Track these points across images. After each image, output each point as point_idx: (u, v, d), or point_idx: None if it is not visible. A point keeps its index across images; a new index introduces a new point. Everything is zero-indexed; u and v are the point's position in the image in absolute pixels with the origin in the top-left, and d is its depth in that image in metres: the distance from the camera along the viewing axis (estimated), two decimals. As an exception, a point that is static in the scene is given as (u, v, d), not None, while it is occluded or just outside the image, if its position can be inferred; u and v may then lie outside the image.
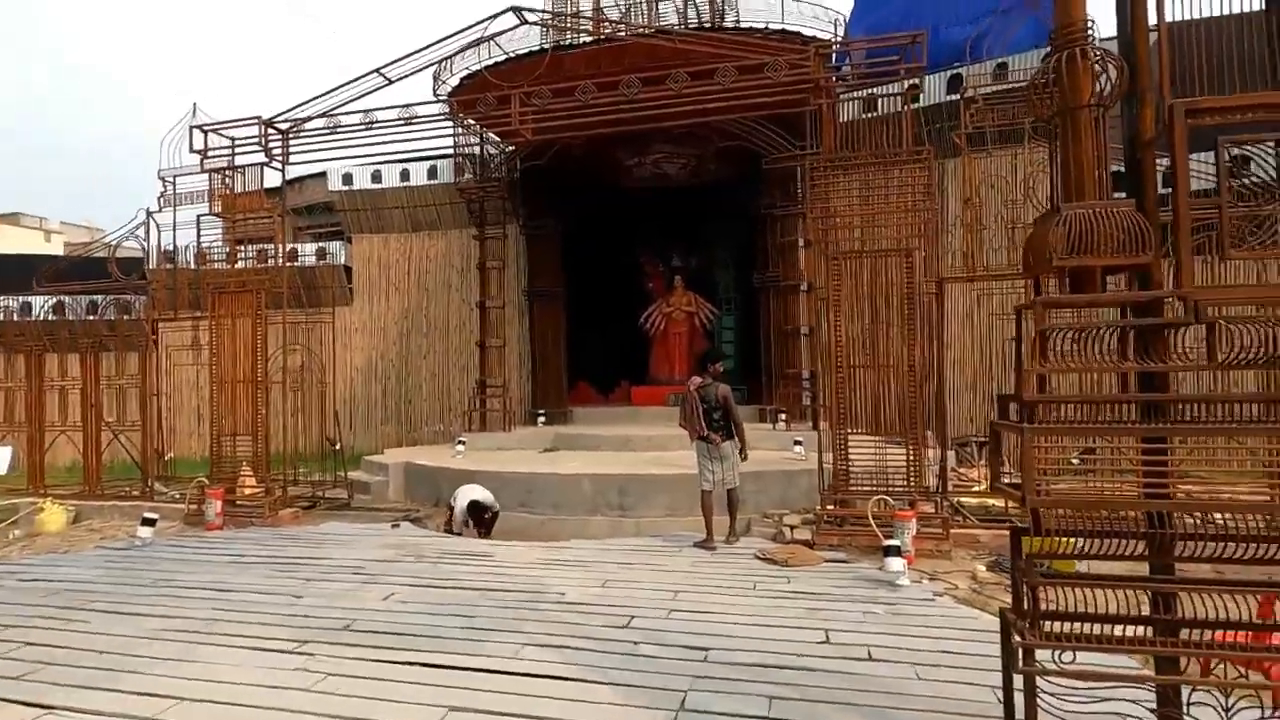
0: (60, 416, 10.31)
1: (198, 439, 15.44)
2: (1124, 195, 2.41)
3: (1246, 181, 2.42)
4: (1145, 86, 2.31)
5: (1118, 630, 2.39)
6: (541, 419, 13.14)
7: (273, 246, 9.27)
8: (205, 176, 9.52)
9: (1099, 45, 2.27)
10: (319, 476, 10.31)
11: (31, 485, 9.98)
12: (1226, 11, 2.56)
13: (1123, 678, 2.33)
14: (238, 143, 8.98)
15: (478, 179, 13.37)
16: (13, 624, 4.86)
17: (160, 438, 10.68)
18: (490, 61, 9.56)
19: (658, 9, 11.63)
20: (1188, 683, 2.22)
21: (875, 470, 7.08)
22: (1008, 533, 6.40)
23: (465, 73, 10.97)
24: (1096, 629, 2.37)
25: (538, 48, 10.52)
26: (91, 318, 11.29)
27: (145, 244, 10.49)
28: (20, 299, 13.20)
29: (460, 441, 11.19)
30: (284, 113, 8.69)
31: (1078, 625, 2.38)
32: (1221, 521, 2.24)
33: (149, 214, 10.41)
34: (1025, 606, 2.28)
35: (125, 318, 10.55)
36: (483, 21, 8.09)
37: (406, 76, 8.25)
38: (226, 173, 8.96)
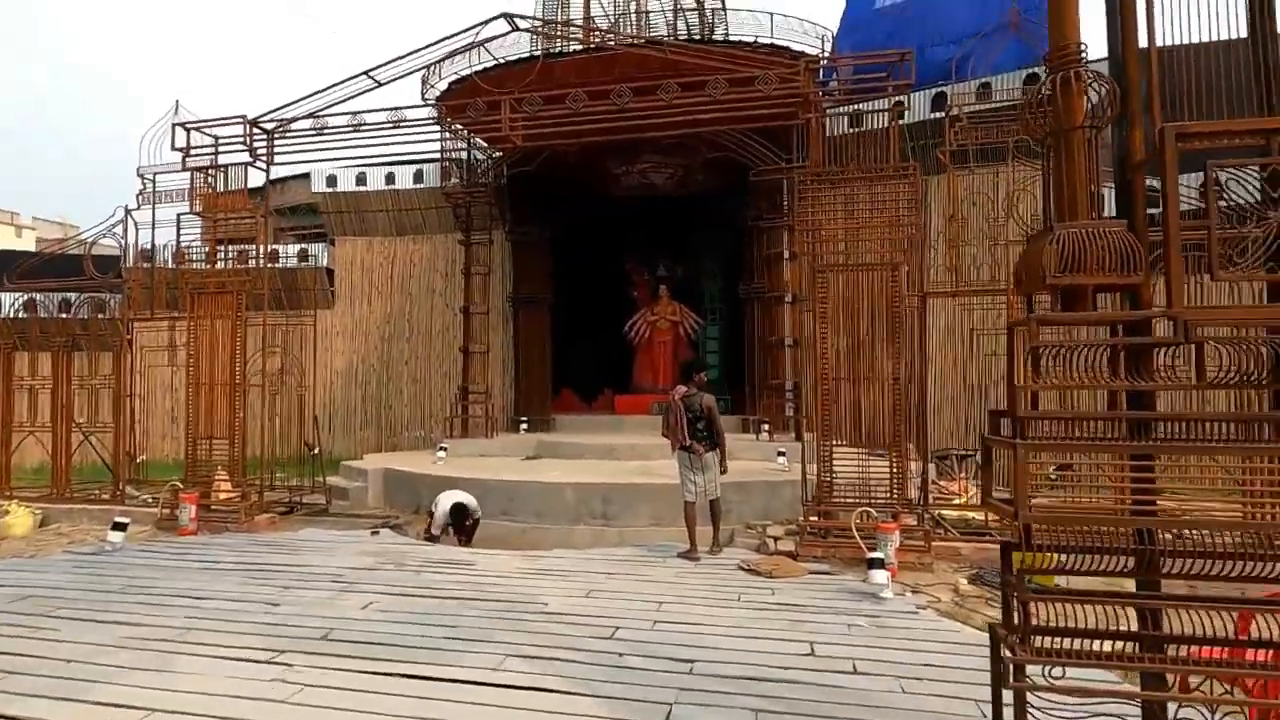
0: (30, 417, 10.03)
1: (170, 441, 15.14)
2: (1113, 215, 2.45)
3: (1225, 204, 2.48)
4: (1135, 109, 2.36)
5: (1105, 646, 2.42)
6: (524, 426, 13.06)
7: (253, 247, 9.14)
8: (186, 174, 9.35)
9: (1091, 69, 2.31)
10: (296, 481, 10.13)
11: (-4, 487, 9.68)
12: (1213, 37, 2.62)
13: (1112, 693, 2.35)
14: (221, 141, 8.85)
15: (464, 184, 13.32)
16: (-25, 631, 4.70)
17: (133, 440, 10.43)
18: (481, 67, 9.55)
19: (648, 20, 11.73)
20: (1174, 699, 2.24)
21: (858, 482, 7.12)
22: (989, 546, 6.50)
23: (454, 77, 10.96)
24: (1083, 644, 2.39)
25: (527, 55, 10.54)
26: (64, 316, 11.03)
27: (123, 241, 10.28)
28: (-11, 296, 12.87)
29: (442, 448, 11.08)
30: (269, 112, 8.59)
31: (1066, 641, 2.40)
32: (1197, 538, 2.28)
33: (127, 211, 10.21)
34: (1015, 621, 2.29)
35: (99, 316, 10.32)
36: (474, 27, 8.08)
37: (397, 79, 8.21)
38: (209, 172, 8.82)
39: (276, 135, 8.65)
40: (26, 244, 32.69)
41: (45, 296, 11.43)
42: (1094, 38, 2.57)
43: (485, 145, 12.84)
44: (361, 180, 15.22)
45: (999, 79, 11.44)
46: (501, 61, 9.80)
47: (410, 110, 8.53)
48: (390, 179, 15.16)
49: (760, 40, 10.94)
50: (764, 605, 5.24)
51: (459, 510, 7.60)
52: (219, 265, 9.05)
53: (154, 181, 10.23)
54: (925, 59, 12.29)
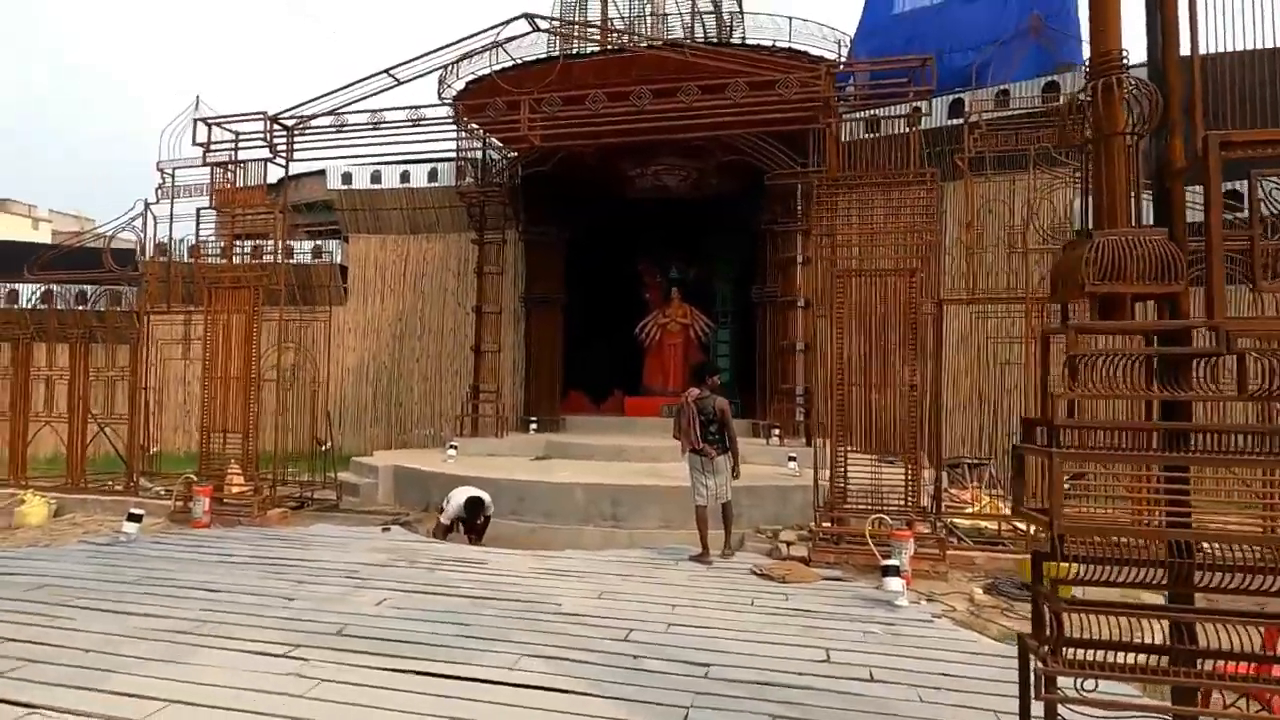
0: (46, 407, 10.11)
1: (182, 434, 15.24)
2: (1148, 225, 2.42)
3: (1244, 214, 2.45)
4: (1175, 117, 2.33)
5: (1131, 658, 2.39)
6: (534, 426, 13.07)
7: (268, 243, 9.19)
8: (204, 170, 9.41)
9: (1133, 75, 2.29)
10: (307, 477, 10.18)
11: (11, 476, 9.77)
12: (1255, 46, 2.60)
13: (1145, 708, 2.32)
14: (241, 137, 8.91)
15: (479, 183, 13.35)
16: (-6, 619, 4.73)
17: (147, 432, 10.50)
18: (501, 66, 9.57)
19: (665, 23, 11.73)
20: (1207, 714, 2.21)
21: (871, 489, 7.08)
22: (1003, 556, 6.45)
23: (471, 77, 10.99)
24: (1114, 657, 2.36)
25: (544, 55, 10.57)
26: (81, 308, 11.13)
27: (142, 235, 10.36)
28: (7, 286, 13.02)
29: (452, 446, 11.10)
30: (290, 109, 8.64)
31: (1094, 653, 2.37)
32: (1215, 551, 2.26)
33: (147, 205, 10.30)
34: (1046, 632, 2.27)
35: (116, 309, 10.40)
36: (495, 27, 8.10)
37: (417, 78, 8.24)
38: (228, 167, 8.87)
39: (296, 132, 8.70)
40: (43, 236, 32.99)
41: (62, 288, 11.54)
42: (1134, 45, 2.55)
43: (500, 145, 12.87)
44: (376, 178, 15.29)
45: (1018, 86, 11.39)
46: (520, 62, 9.82)
47: (427, 109, 8.57)
48: (405, 177, 15.23)
49: (778, 44, 10.92)
50: (778, 610, 5.21)
51: (474, 504, 7.59)
52: (235, 260, 9.11)
53: (173, 176, 10.30)
54: (943, 65, 12.25)
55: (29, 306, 11.46)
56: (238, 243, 9.14)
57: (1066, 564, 2.40)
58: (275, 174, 9.49)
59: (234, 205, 9.02)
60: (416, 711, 3.52)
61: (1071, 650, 2.36)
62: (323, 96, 8.53)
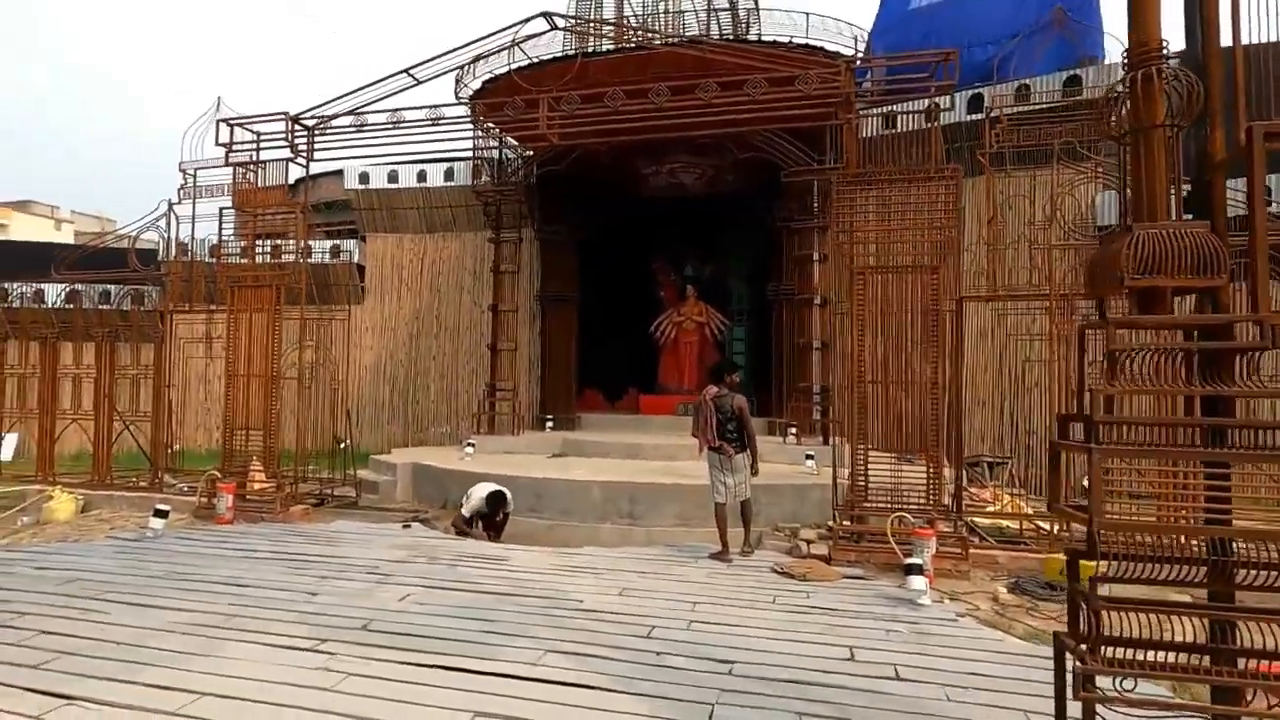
0: (73, 405, 10.28)
1: (203, 431, 15.45)
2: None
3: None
4: (1216, 108, 2.30)
5: (1166, 657, 2.36)
6: (549, 424, 13.11)
7: (288, 242, 9.28)
8: (224, 170, 9.52)
9: (1174, 66, 2.26)
10: (327, 474, 10.27)
11: (40, 473, 9.95)
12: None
13: (1187, 707, 2.29)
14: (262, 138, 9.00)
15: (495, 183, 13.41)
16: (29, 611, 4.82)
17: (170, 429, 10.64)
18: (519, 65, 9.60)
19: (682, 21, 11.71)
20: (1249, 715, 2.18)
21: (891, 487, 7.03)
22: (1026, 555, 6.39)
23: (488, 76, 11.02)
24: (1148, 656, 2.33)
25: (560, 54, 10.58)
26: (105, 307, 11.30)
27: (165, 235, 10.49)
28: (33, 286, 13.25)
29: (469, 444, 11.16)
30: (311, 109, 8.71)
31: (1131, 652, 2.34)
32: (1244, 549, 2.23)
33: (170, 205, 10.43)
34: (1083, 630, 2.24)
35: (140, 308, 10.55)
36: (513, 26, 8.13)
37: (435, 77, 8.28)
38: (250, 167, 8.97)
39: (316, 132, 8.78)
40: (65, 237, 33.54)
41: (86, 288, 11.72)
42: (1173, 34, 2.51)
43: (516, 144, 12.91)
44: (393, 178, 15.39)
45: (1038, 81, 11.26)
46: (537, 60, 9.84)
47: (444, 109, 8.61)
48: (421, 176, 15.32)
49: (795, 40, 10.86)
50: (799, 608, 5.20)
51: (495, 499, 7.63)
52: (255, 259, 9.22)
53: (195, 176, 10.43)
54: (962, 59, 12.16)
55: (55, 306, 11.64)
56: (258, 242, 9.25)
57: (1093, 562, 2.37)
58: (293, 174, 9.59)
59: (255, 205, 9.12)
60: (444, 705, 3.54)
61: (1108, 649, 2.34)
62: (342, 96, 8.60)
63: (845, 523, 6.98)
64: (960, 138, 11.46)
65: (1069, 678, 2.27)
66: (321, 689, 3.71)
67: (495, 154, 13.42)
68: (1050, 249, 7.76)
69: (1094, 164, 7.85)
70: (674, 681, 3.88)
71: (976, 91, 11.47)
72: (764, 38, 11.42)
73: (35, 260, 14.15)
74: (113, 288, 12.51)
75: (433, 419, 15.27)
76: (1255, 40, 2.27)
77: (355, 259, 15.61)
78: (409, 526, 8.06)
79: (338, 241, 15.59)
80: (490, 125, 11.40)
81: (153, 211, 10.10)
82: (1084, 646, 2.20)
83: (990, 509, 8.33)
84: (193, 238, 11.91)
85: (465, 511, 7.65)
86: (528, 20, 8.05)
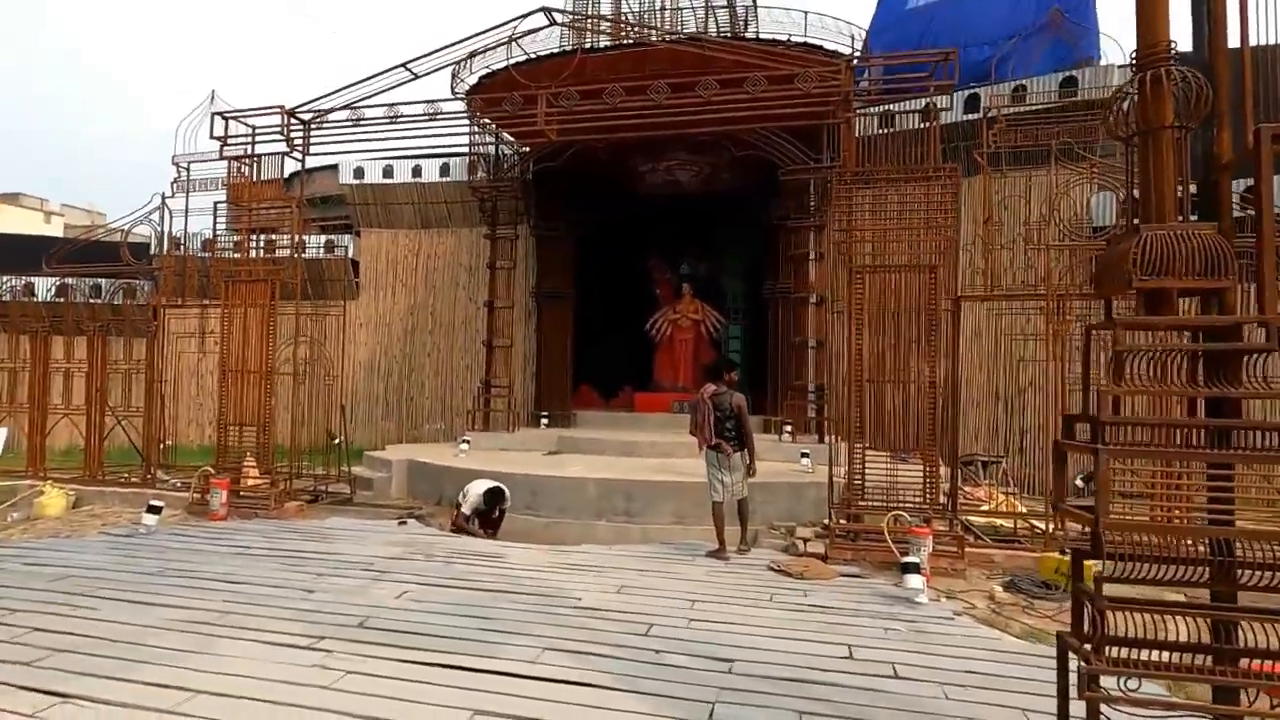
0: (64, 400, 10.18)
1: (196, 427, 15.34)
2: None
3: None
4: (1223, 109, 2.30)
5: (1167, 656, 2.37)
6: (545, 421, 13.07)
7: (282, 237, 9.22)
8: (218, 164, 9.45)
9: (1182, 67, 2.26)
10: (321, 470, 10.22)
11: (30, 468, 9.85)
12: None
13: (1191, 707, 2.30)
14: (257, 131, 8.93)
15: (491, 178, 13.35)
16: (21, 608, 4.77)
17: (163, 425, 10.56)
18: (517, 60, 9.55)
19: (681, 18, 11.68)
20: (1251, 714, 2.19)
21: (887, 486, 7.05)
22: (1022, 554, 6.42)
23: (486, 71, 10.97)
24: (1149, 656, 2.34)
25: (558, 49, 10.54)
26: (96, 301, 11.20)
27: (158, 229, 10.40)
28: (23, 279, 13.11)
29: (465, 440, 11.13)
30: (307, 103, 8.65)
31: (1134, 652, 2.35)
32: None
33: (164, 199, 10.33)
34: (1087, 630, 2.25)
35: (132, 303, 10.45)
36: (512, 21, 8.09)
37: (433, 72, 8.24)
38: (245, 161, 8.89)
39: (312, 126, 8.71)
40: (55, 230, 33.20)
41: (78, 281, 11.61)
42: (1181, 35, 2.51)
43: (512, 140, 12.86)
44: (388, 173, 15.30)
45: (1034, 81, 11.30)
46: (535, 56, 9.80)
47: (441, 104, 8.57)
48: (417, 172, 15.23)
49: (794, 38, 10.86)
50: (797, 606, 5.21)
51: (493, 495, 7.61)
52: (250, 254, 9.14)
53: (188, 170, 10.34)
54: (959, 60, 12.20)
55: (45, 300, 11.53)
56: (253, 237, 9.17)
57: (1091, 562, 2.38)
58: (288, 168, 9.51)
59: (250, 199, 9.05)
60: (443, 704, 3.53)
61: (1112, 649, 2.34)
62: (338, 91, 8.54)
63: (841, 521, 7.00)
64: (957, 137, 11.48)
65: (1073, 677, 2.27)
66: (319, 687, 3.69)
67: (491, 150, 13.36)
68: (1047, 249, 7.79)
69: (1090, 165, 7.88)
70: (674, 680, 3.87)
71: (973, 91, 11.50)
72: (762, 35, 11.42)
73: (24, 253, 14.00)
74: (104, 282, 12.40)
75: (427, 415, 15.21)
76: (1263, 42, 2.27)
77: (350, 254, 15.52)
78: (404, 523, 8.03)
79: (332, 236, 15.50)
80: (487, 121, 11.35)
81: (145, 205, 10.01)
82: (1089, 646, 2.21)
83: (985, 508, 8.37)
84: (186, 232, 11.81)
85: (465, 509, 7.62)
86: (526, 15, 8.01)
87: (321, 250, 15.05)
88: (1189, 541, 2.42)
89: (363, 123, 8.48)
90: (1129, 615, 2.29)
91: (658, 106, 7.50)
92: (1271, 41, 2.40)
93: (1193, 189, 2.52)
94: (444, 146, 13.13)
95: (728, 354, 14.73)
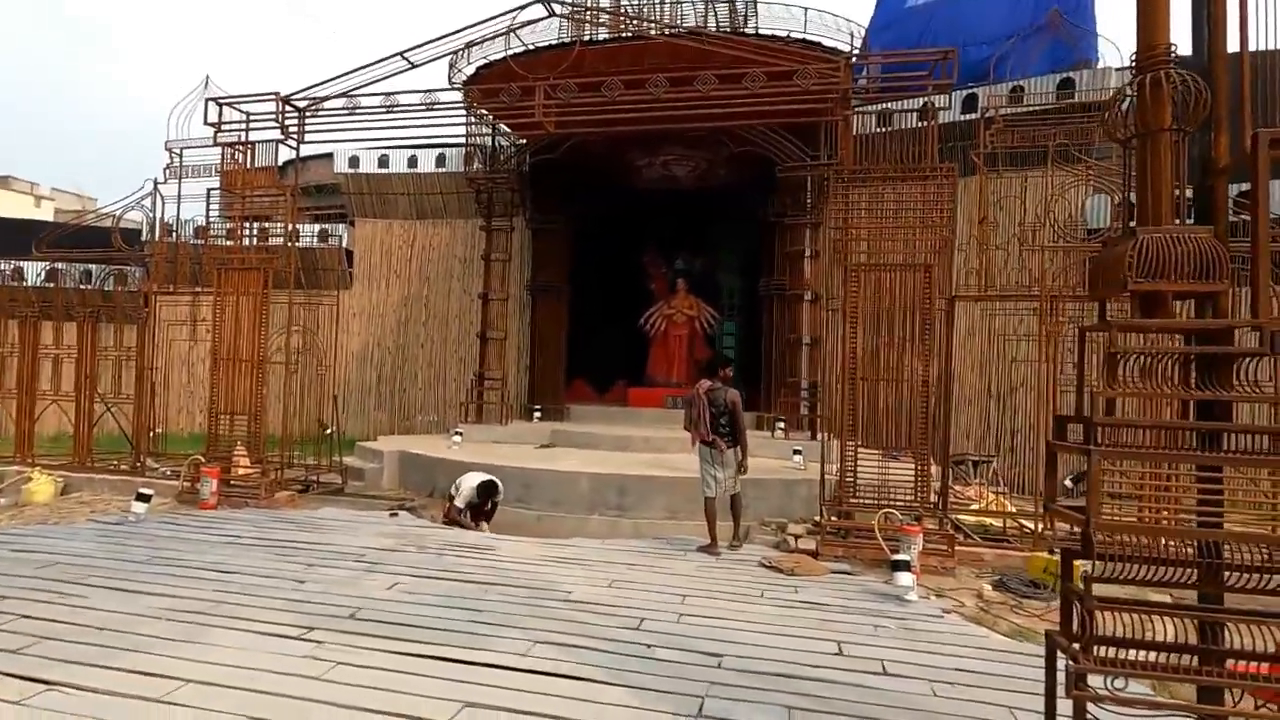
0: (52, 385, 10.10)
1: (186, 415, 15.24)
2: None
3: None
4: (1221, 113, 2.31)
5: (1154, 657, 2.39)
6: (538, 414, 13.06)
7: (276, 225, 9.15)
8: (211, 151, 9.36)
9: (1182, 70, 2.26)
10: (312, 460, 10.18)
11: (18, 453, 9.77)
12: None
13: (1178, 707, 2.33)
14: (251, 118, 8.85)
15: (488, 170, 13.28)
16: (8, 595, 4.74)
17: (152, 413, 10.49)
18: (515, 51, 9.49)
19: (680, 11, 11.62)
20: (1236, 714, 2.21)
21: (878, 484, 7.08)
22: (1011, 553, 6.46)
23: (484, 61, 10.90)
24: (1136, 656, 2.36)
25: (556, 41, 10.48)
26: (87, 287, 11.09)
27: (150, 215, 10.31)
28: (12, 263, 12.97)
29: (457, 433, 11.11)
30: (302, 90, 8.57)
31: (1115, 651, 2.37)
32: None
33: (155, 185, 10.24)
34: (1076, 630, 2.26)
35: (122, 289, 10.36)
36: (510, 11, 8.03)
37: (430, 61, 8.17)
38: (239, 148, 8.82)
39: (308, 114, 8.64)
40: (45, 214, 32.86)
41: (68, 266, 11.51)
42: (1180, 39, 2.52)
43: (509, 131, 12.79)
44: (384, 162, 15.21)
45: (1031, 82, 11.32)
46: (533, 47, 9.74)
47: (438, 94, 8.52)
48: (412, 162, 15.15)
49: (793, 35, 10.83)
50: (788, 603, 5.23)
51: (487, 488, 7.60)
52: (243, 242, 9.07)
53: (181, 156, 10.25)
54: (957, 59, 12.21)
55: (35, 285, 11.41)
56: (245, 225, 9.10)
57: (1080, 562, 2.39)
58: (283, 156, 9.45)
59: (243, 186, 8.97)
60: (434, 695, 3.53)
61: (1100, 649, 2.36)
62: (335, 79, 8.47)
63: (833, 518, 7.03)
64: (954, 137, 11.49)
65: (1061, 676, 2.29)
66: (309, 677, 3.68)
67: (488, 141, 13.29)
68: (1041, 250, 7.82)
69: (1086, 167, 7.91)
70: (664, 674, 3.88)
71: (971, 91, 11.51)
72: (762, 31, 11.38)
73: (14, 236, 13.86)
74: (94, 267, 12.28)
75: (420, 407, 15.17)
76: (1262, 47, 2.27)
77: (344, 244, 15.43)
78: (396, 514, 8.01)
79: (326, 226, 15.40)
80: (484, 112, 11.28)
81: (137, 190, 9.91)
82: (1077, 646, 2.22)
83: (975, 507, 8.42)
84: (178, 218, 11.70)
85: (458, 502, 7.61)
86: (525, 6, 7.96)
87: (315, 239, 14.96)
88: (1177, 543, 2.44)
89: (359, 111, 8.42)
90: (1117, 615, 2.32)
91: (656, 100, 7.47)
92: (1271, 47, 2.40)
93: (1189, 192, 2.53)
94: (441, 137, 13.10)
95: (722, 350, 14.74)
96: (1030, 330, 8.50)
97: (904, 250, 7.20)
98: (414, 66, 8.21)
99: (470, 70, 11.12)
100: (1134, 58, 2.31)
